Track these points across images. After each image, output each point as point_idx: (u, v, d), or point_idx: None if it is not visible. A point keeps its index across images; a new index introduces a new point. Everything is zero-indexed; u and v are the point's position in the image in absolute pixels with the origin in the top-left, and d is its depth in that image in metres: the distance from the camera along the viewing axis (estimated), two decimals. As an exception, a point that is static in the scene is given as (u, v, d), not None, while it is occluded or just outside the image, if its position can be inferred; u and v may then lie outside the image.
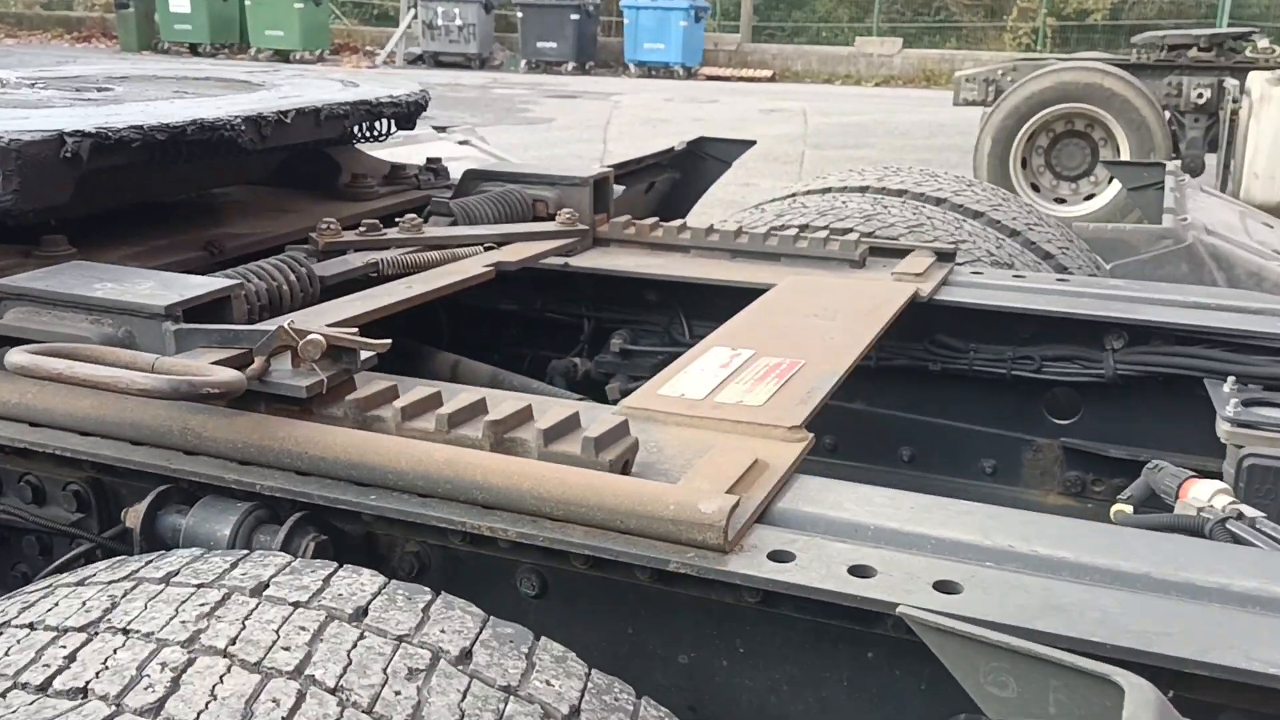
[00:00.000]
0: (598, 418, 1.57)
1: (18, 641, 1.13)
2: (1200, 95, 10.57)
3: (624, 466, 1.53)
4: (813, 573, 1.33)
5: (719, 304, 2.81)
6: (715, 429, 1.70)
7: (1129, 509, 1.78)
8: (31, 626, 1.16)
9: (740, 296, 2.75)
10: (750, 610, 1.46)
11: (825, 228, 3.04)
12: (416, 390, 1.66)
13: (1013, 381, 2.58)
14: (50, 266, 1.84)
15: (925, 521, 1.44)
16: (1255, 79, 9.53)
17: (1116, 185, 10.24)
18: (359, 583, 1.24)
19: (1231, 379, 2.24)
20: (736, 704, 1.52)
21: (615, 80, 24.50)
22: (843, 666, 1.45)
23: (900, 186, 3.56)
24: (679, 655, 1.54)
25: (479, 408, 1.63)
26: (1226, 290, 2.68)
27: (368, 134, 2.75)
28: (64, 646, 1.10)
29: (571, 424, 1.58)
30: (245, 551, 1.33)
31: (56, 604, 1.21)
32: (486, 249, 2.44)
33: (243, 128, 2.20)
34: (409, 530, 1.61)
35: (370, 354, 1.66)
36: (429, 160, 3.14)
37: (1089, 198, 10.42)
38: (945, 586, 1.29)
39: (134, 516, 1.63)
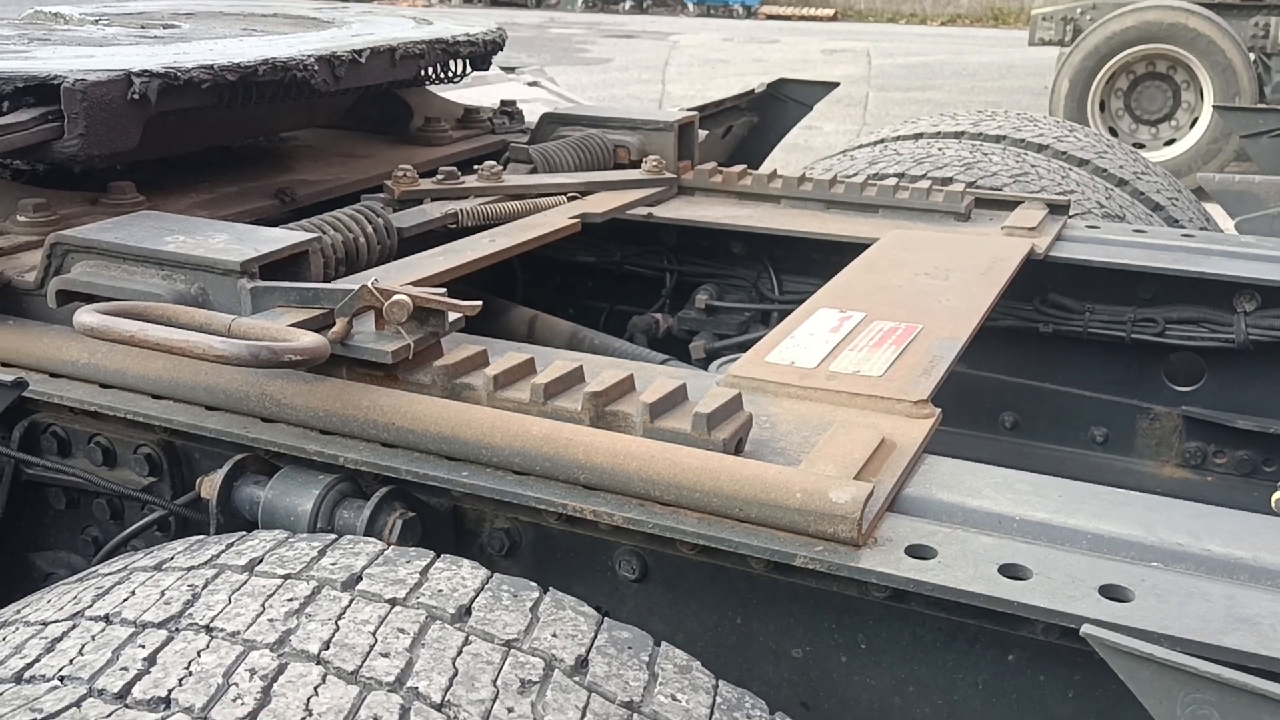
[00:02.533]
0: (708, 390, 1.43)
1: (93, 637, 1.02)
2: (1289, 36, 10.10)
3: (737, 445, 1.39)
4: (959, 572, 1.19)
5: (811, 258, 2.65)
6: (833, 402, 1.56)
7: None
8: (108, 619, 1.06)
9: (834, 251, 2.59)
10: (876, 604, 1.33)
11: (924, 176, 2.86)
12: (509, 356, 1.53)
13: (1131, 345, 2.40)
14: (119, 217, 1.73)
15: (1078, 513, 1.30)
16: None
17: (1199, 131, 9.85)
18: (459, 577, 1.12)
19: (1380, 347, 2.06)
20: (855, 703, 1.39)
21: (673, 19, 24.09)
22: (980, 669, 1.31)
23: (999, 132, 3.35)
24: (792, 649, 1.41)
25: (576, 377, 1.51)
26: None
27: (442, 75, 2.60)
28: (143, 646, 1.00)
29: (678, 397, 1.44)
30: (333, 536, 1.22)
31: (133, 592, 1.11)
32: (569, 199, 2.30)
33: (316, 68, 2.07)
34: (501, 507, 1.50)
35: (458, 316, 1.53)
36: (503, 103, 3.00)
37: (1169, 143, 10.03)
38: (1113, 592, 1.15)
39: (209, 486, 1.53)
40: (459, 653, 1.00)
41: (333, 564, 1.14)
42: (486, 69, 2.73)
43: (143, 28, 2.48)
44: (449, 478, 1.41)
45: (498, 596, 1.10)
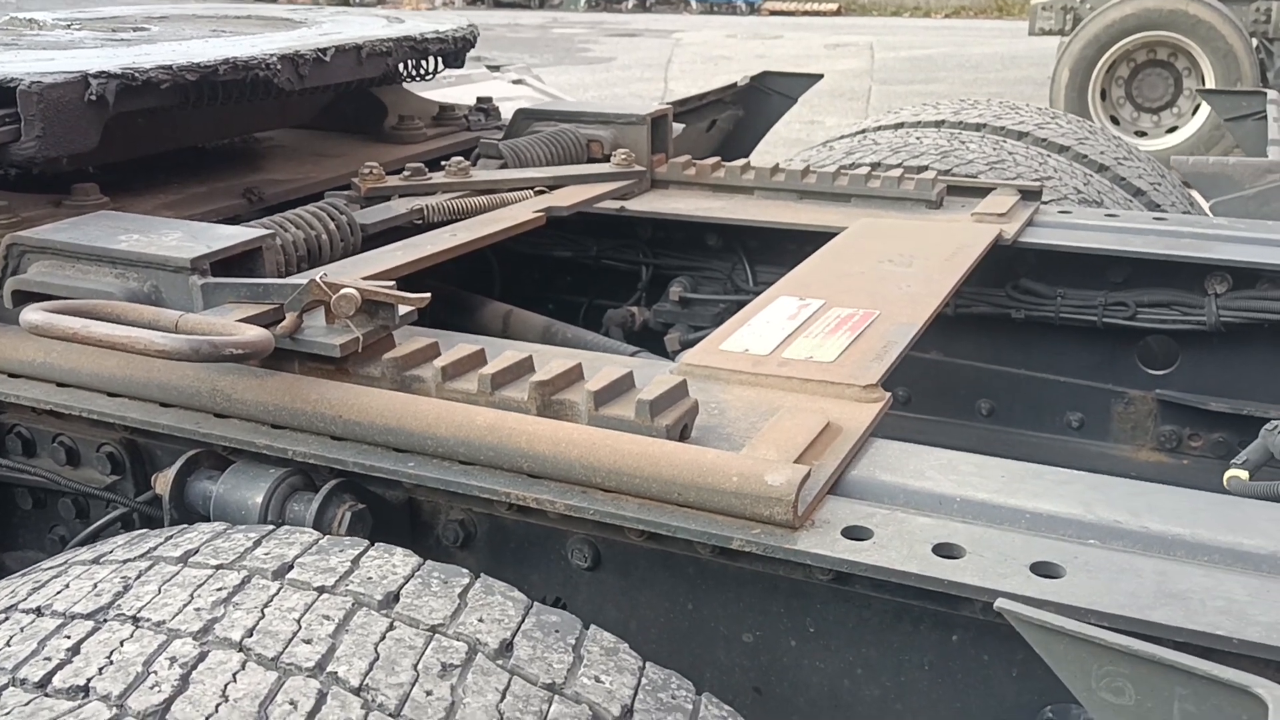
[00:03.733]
0: (654, 378, 1.43)
1: (21, 629, 1.03)
2: (1290, 21, 10.05)
3: (682, 431, 1.40)
4: (893, 552, 1.19)
5: (785, 248, 2.65)
6: (782, 388, 1.56)
7: (1245, 475, 1.61)
8: (38, 612, 1.07)
9: (808, 240, 2.59)
10: (821, 587, 1.33)
11: (898, 166, 2.86)
12: (459, 348, 1.54)
13: (1104, 329, 2.40)
14: (77, 217, 1.74)
15: (1019, 492, 1.29)
16: (1352, 2, 9.03)
17: (1200, 117, 9.80)
18: (390, 564, 1.13)
19: (1351, 326, 2.05)
20: (806, 685, 1.39)
21: (676, 17, 24.09)
22: (925, 650, 1.31)
23: (979, 120, 3.35)
24: (743, 634, 1.41)
25: (524, 367, 1.51)
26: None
27: (414, 73, 2.61)
28: (68, 637, 1.00)
29: (624, 385, 1.45)
30: (270, 527, 1.22)
31: (68, 585, 1.12)
32: (538, 193, 2.30)
33: (278, 66, 2.08)
34: (452, 498, 1.50)
35: (409, 309, 1.54)
36: (479, 100, 3.00)
37: (1171, 130, 9.99)
38: (1045, 569, 1.14)
39: (163, 482, 1.54)
40: (382, 638, 1.01)
41: (265, 554, 1.15)
42: (460, 65, 2.74)
43: (113, 31, 2.50)
44: (395, 469, 1.42)
45: (427, 583, 1.11)
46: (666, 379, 1.42)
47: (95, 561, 1.18)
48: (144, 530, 1.30)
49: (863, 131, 3.46)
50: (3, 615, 1.08)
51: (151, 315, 1.46)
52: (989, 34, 20.54)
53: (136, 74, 1.84)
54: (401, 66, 2.51)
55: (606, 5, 24.90)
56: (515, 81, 4.27)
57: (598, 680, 1.01)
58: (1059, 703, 1.26)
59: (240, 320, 1.50)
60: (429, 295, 1.54)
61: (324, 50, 2.19)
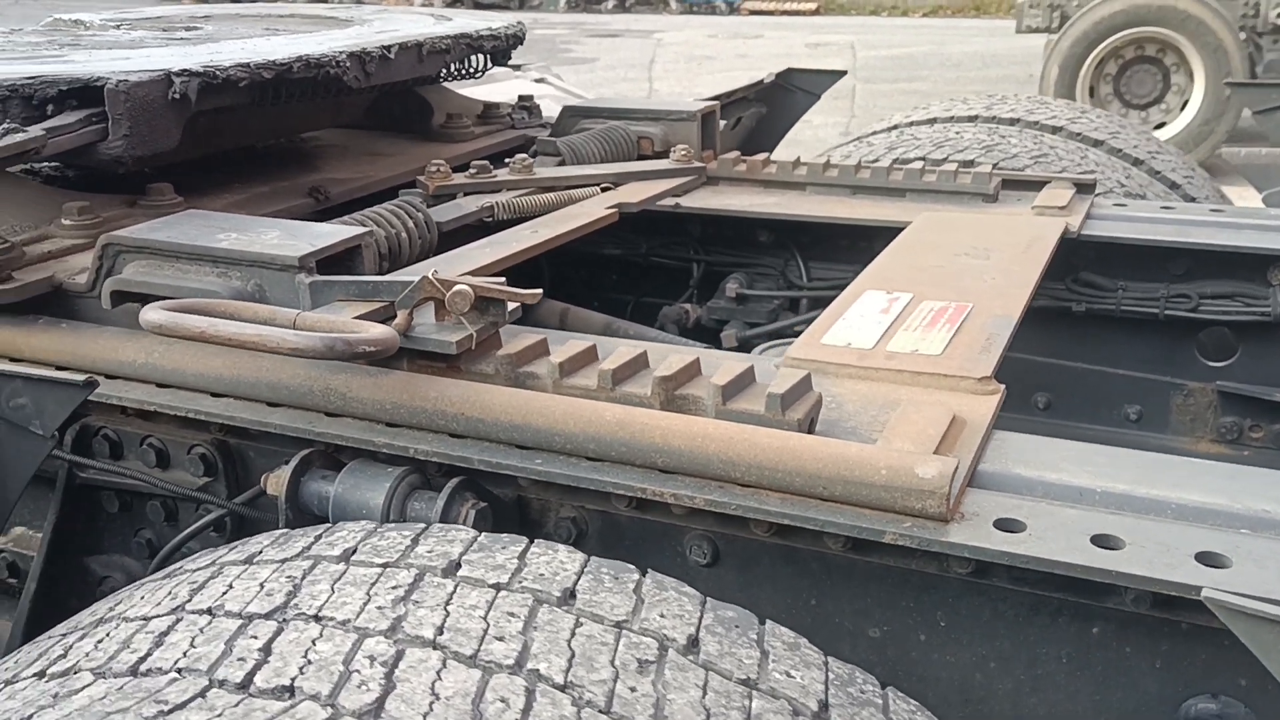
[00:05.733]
0: (777, 372, 1.43)
1: (201, 630, 1.02)
2: (1280, 15, 10.15)
3: (810, 425, 1.39)
4: (1051, 543, 1.19)
5: (838, 244, 2.65)
6: (895, 381, 1.56)
7: None
8: (211, 613, 1.05)
9: (861, 236, 2.60)
10: (955, 581, 1.32)
11: (945, 160, 2.87)
12: (571, 344, 1.53)
13: (1164, 322, 2.41)
14: (165, 217, 1.72)
15: (1159, 483, 1.30)
16: (1340, -3, 9.13)
17: (1189, 113, 9.88)
18: (558, 561, 1.12)
19: None
20: (936, 680, 1.39)
21: (657, 17, 24.08)
22: (1063, 642, 1.31)
23: (1012, 115, 3.36)
24: (869, 629, 1.41)
25: (640, 362, 1.50)
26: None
27: (464, 70, 2.59)
28: (255, 637, 0.99)
29: (747, 379, 1.44)
30: (422, 525, 1.21)
31: (231, 586, 1.10)
32: (603, 189, 2.30)
33: (348, 64, 2.06)
34: (567, 495, 1.49)
35: (516, 306, 1.53)
36: (520, 98, 2.99)
37: (1159, 126, 10.05)
38: (1210, 559, 1.15)
39: (276, 483, 1.52)
40: (572, 635, 1.00)
41: (429, 551, 1.14)
42: (506, 63, 2.72)
43: (165, 30, 2.47)
44: (523, 465, 1.41)
45: (599, 579, 1.10)
46: (791, 373, 1.42)
47: (250, 562, 1.17)
48: (284, 531, 1.28)
49: (895, 127, 3.46)
50: (172, 617, 1.06)
51: (267, 313, 1.44)
52: (968, 32, 20.64)
53: (217, 72, 1.82)
54: (455, 64, 2.50)
55: (586, 6, 24.85)
56: (537, 80, 4.27)
57: (789, 675, 1.01)
58: (1202, 695, 1.26)
59: (356, 318, 1.48)
60: (540, 291, 1.53)
61: (388, 48, 2.17)
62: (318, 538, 1.21)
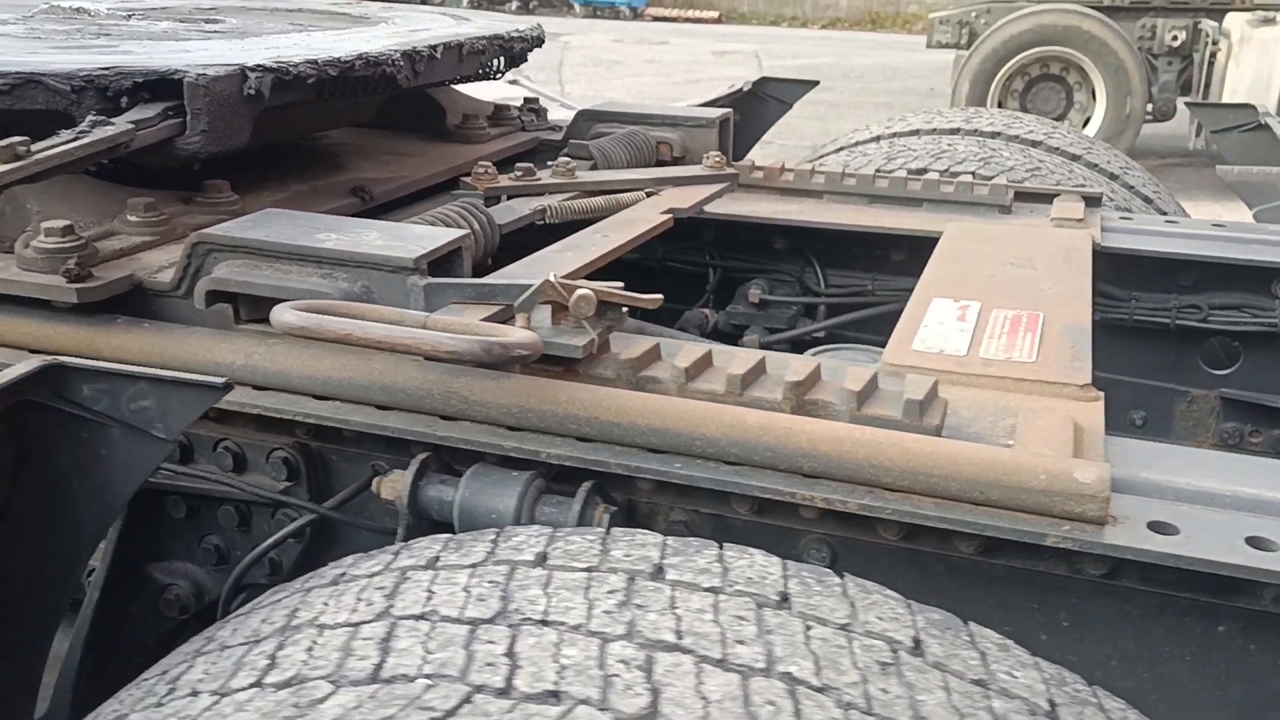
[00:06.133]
0: (906, 378, 1.46)
1: (427, 635, 1.00)
2: (1175, 38, 10.63)
3: (940, 431, 1.42)
4: (1208, 545, 1.24)
5: (853, 252, 2.71)
6: (1000, 388, 1.60)
7: None
8: (426, 618, 1.03)
9: (877, 245, 2.66)
10: (1083, 582, 1.37)
11: (947, 171, 2.94)
12: (689, 349, 1.54)
13: (1174, 331, 2.51)
14: (247, 216, 1.66)
15: (1275, 485, 1.36)
16: (1234, 21, 9.60)
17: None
18: (758, 564, 1.13)
19: None
20: (1053, 678, 1.43)
21: (561, 20, 24.04)
22: (1188, 641, 1.36)
23: (993, 128, 3.46)
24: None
25: (760, 368, 1.52)
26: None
27: (485, 72, 2.57)
28: (491, 642, 0.98)
29: (874, 385, 1.47)
30: (601, 530, 1.20)
31: (431, 591, 1.08)
32: (648, 194, 2.30)
33: (401, 63, 2.03)
34: (682, 497, 1.50)
35: (625, 310, 1.53)
36: (526, 100, 2.97)
37: (1064, 141, 10.41)
38: (1361, 556, 1.21)
39: (392, 488, 1.50)
40: (807, 638, 1.01)
41: (626, 556, 1.13)
42: (521, 65, 2.71)
43: (184, 22, 2.39)
44: (663, 469, 1.41)
45: (804, 582, 1.11)
46: (920, 379, 1.45)
47: (435, 567, 1.15)
48: (448, 535, 1.26)
49: (878, 139, 3.53)
50: (384, 623, 1.04)
51: (394, 315, 1.41)
52: (866, 45, 21.12)
53: (290, 68, 1.78)
54: (489, 65, 2.47)
55: (489, 5, 24.67)
56: (511, 82, 4.24)
57: (1012, 675, 1.03)
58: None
59: (481, 320, 1.46)
60: (661, 297, 1.53)
61: (434, 47, 2.14)
62: (496, 542, 1.19)
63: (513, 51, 2.48)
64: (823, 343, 2.68)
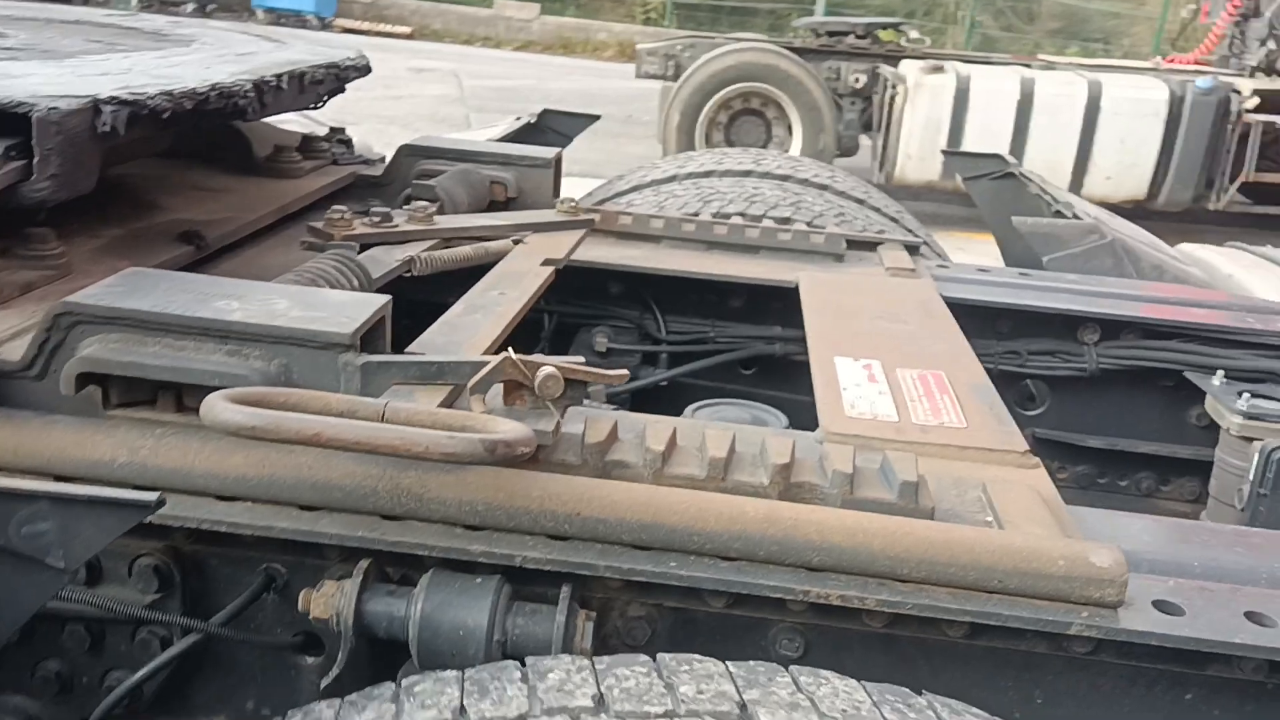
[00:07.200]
0: (886, 456, 1.40)
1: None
2: (857, 80, 11.39)
3: (933, 513, 1.38)
4: (1215, 625, 1.25)
5: (688, 298, 2.66)
6: (945, 456, 1.58)
7: None
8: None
9: (712, 290, 2.63)
10: (1056, 658, 1.36)
11: (763, 215, 2.95)
12: (655, 428, 1.41)
13: (995, 375, 2.62)
14: (116, 279, 1.38)
15: (1229, 550, 1.41)
16: (909, 67, 10.42)
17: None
18: (841, 690, 1.03)
19: (1221, 373, 2.40)
20: (1023, 754, 1.42)
21: (241, 26, 22.81)
22: (1157, 710, 1.38)
23: (781, 170, 3.52)
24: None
25: (732, 447, 1.41)
26: (1176, 285, 2.87)
27: (317, 105, 2.32)
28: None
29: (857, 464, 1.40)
30: (643, 658, 1.06)
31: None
32: (515, 242, 2.14)
33: (252, 94, 1.77)
34: (643, 593, 1.38)
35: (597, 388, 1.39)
36: (332, 130, 2.73)
37: (765, 174, 10.92)
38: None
39: (326, 604, 1.28)
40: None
41: (699, 694, 1.00)
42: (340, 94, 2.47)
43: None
44: (657, 570, 1.28)
45: (896, 708, 1.02)
46: (903, 457, 1.39)
47: (467, 712, 0.97)
48: (457, 674, 1.07)
49: (674, 178, 3.50)
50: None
51: (345, 404, 1.20)
52: (560, 70, 21.39)
53: (146, 100, 1.50)
54: (327, 95, 2.22)
55: (161, 6, 23.02)
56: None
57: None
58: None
59: (440, 407, 1.27)
60: (626, 372, 1.40)
61: (280, 76, 1.89)
62: (526, 683, 1.03)
63: (346, 80, 2.25)
64: (667, 391, 2.61)
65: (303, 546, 1.37)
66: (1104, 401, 2.66)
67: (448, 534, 1.29)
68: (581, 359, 1.39)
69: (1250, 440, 2.27)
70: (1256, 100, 9.68)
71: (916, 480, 1.34)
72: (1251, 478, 2.18)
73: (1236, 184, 9.76)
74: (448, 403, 1.33)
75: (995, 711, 1.39)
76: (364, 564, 1.29)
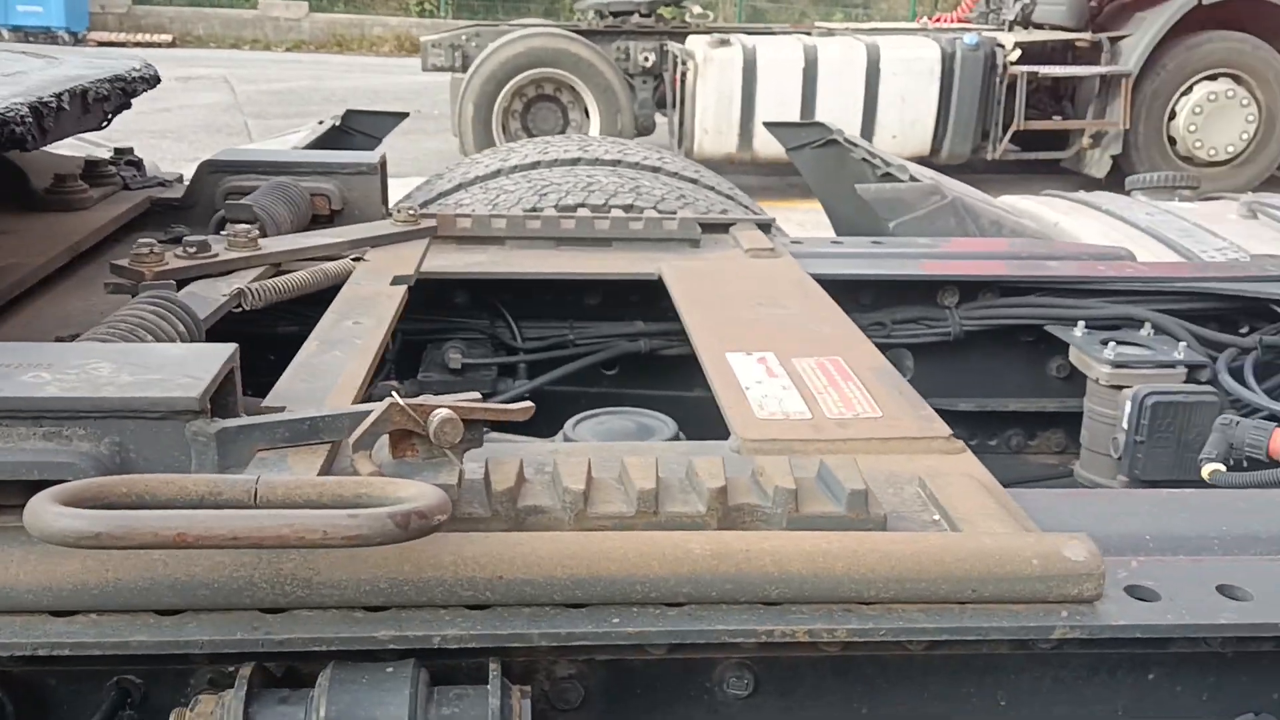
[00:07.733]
0: (824, 463, 1.26)
1: None
2: (646, 58, 11.39)
3: (885, 522, 1.25)
4: (1194, 607, 1.17)
5: (543, 300, 2.49)
6: (869, 450, 1.46)
7: (1222, 467, 1.81)
8: None
9: (568, 290, 2.47)
10: (1014, 658, 1.27)
11: (606, 204, 2.80)
12: (567, 461, 1.23)
13: (866, 348, 2.55)
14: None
15: (1173, 516, 1.35)
16: (696, 43, 10.46)
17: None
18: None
19: (1082, 324, 2.39)
20: (991, 758, 1.33)
21: (-15, 43, 21.14)
22: (1120, 694, 1.31)
23: (610, 156, 3.37)
24: (924, 722, 1.31)
25: (654, 474, 1.25)
26: (1026, 240, 2.86)
27: (102, 125, 2.02)
28: None
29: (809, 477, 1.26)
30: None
31: None
32: (355, 260, 1.91)
33: (30, 119, 1.50)
34: (570, 650, 1.21)
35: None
36: (117, 151, 2.41)
37: (565, 159, 10.77)
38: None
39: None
40: None
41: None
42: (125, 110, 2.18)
43: None
44: (601, 632, 1.10)
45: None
46: (842, 460, 1.27)
47: None
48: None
49: (498, 173, 3.30)
50: None
51: (205, 487, 0.98)
52: (338, 69, 20.68)
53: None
54: (112, 114, 1.93)
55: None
56: None
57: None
58: (1244, 715, 1.33)
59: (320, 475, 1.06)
60: (532, 405, 1.22)
61: (60, 97, 1.61)
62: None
63: (133, 94, 1.97)
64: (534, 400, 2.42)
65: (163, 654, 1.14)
66: (968, 363, 2.62)
67: (346, 621, 1.08)
68: (477, 395, 1.20)
69: (1120, 388, 2.25)
70: (1019, 52, 10.16)
71: (864, 487, 1.21)
72: (1125, 426, 2.16)
73: (1009, 134, 10.23)
74: (326, 466, 1.12)
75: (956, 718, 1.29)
76: (245, 670, 1.07)
